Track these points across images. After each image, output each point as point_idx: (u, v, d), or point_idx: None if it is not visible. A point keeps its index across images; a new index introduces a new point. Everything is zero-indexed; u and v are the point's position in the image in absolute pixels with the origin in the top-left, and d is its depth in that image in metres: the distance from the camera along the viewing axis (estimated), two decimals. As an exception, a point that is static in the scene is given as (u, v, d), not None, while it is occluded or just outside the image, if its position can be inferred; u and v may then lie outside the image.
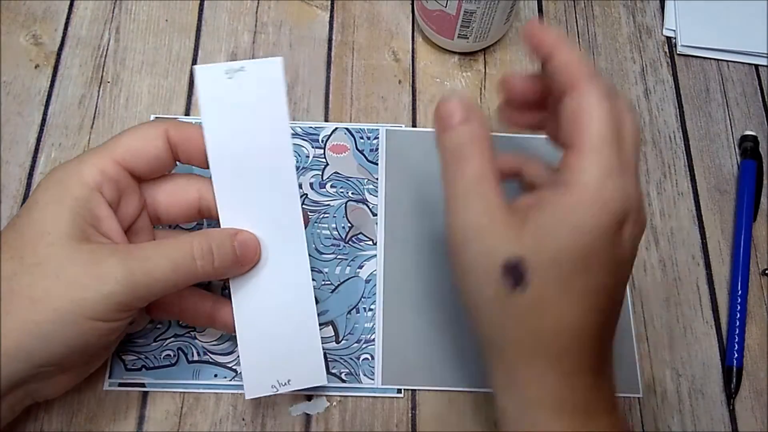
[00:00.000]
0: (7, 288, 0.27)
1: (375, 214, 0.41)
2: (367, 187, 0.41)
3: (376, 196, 0.41)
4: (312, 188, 0.41)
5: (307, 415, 0.36)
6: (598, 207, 0.25)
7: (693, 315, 0.40)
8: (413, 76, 0.45)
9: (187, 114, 0.43)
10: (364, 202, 0.41)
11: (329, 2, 0.47)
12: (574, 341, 0.27)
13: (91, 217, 0.29)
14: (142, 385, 0.36)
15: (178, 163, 0.33)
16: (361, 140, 0.43)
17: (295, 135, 0.42)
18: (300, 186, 0.41)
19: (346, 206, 0.41)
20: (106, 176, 0.30)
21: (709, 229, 0.42)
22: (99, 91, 0.43)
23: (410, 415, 0.36)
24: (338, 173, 0.42)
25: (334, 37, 0.46)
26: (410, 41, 0.47)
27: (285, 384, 0.32)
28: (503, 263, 0.26)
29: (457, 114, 0.29)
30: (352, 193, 0.41)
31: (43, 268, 0.27)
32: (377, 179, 0.42)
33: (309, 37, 0.46)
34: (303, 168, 0.42)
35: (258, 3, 0.47)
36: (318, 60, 0.45)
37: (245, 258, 0.31)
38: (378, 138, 0.43)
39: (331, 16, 0.47)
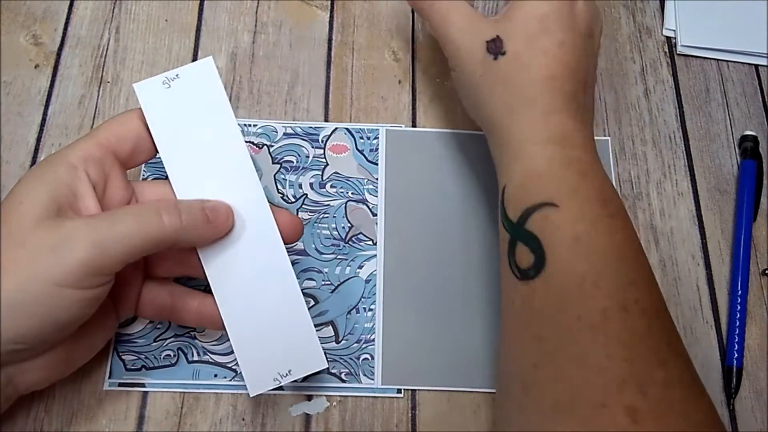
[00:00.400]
0: None
1: (375, 214, 0.41)
2: (367, 187, 0.41)
3: (376, 196, 0.41)
4: (312, 188, 0.41)
5: (307, 415, 0.36)
6: None
7: (693, 315, 0.40)
8: (413, 76, 0.45)
9: (187, 114, 0.43)
10: (364, 202, 0.41)
11: (329, 2, 0.47)
12: (545, 86, 0.33)
13: (69, 194, 0.29)
14: (142, 385, 0.36)
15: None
16: (361, 140, 0.43)
17: (295, 135, 0.42)
18: (300, 186, 0.41)
19: (346, 206, 0.41)
20: (91, 156, 0.31)
21: (709, 229, 0.42)
22: (99, 91, 0.43)
23: (410, 415, 0.36)
24: (338, 173, 0.42)
25: (334, 37, 0.46)
26: (410, 41, 0.47)
27: (286, 375, 0.32)
28: (487, 40, 0.35)
29: None
30: (352, 193, 0.41)
31: (11, 239, 0.28)
32: (377, 179, 0.42)
33: (309, 37, 0.46)
34: (303, 168, 0.42)
35: (258, 3, 0.47)
36: (318, 60, 0.45)
37: (217, 219, 0.31)
38: (378, 138, 0.43)
39: (331, 16, 0.47)
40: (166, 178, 0.32)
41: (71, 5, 0.46)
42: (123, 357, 0.36)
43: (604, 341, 0.27)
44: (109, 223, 0.28)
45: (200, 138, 0.32)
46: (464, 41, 0.36)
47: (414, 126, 0.44)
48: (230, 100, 0.43)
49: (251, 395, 0.32)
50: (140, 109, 0.32)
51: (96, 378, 0.36)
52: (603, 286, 0.28)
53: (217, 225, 0.31)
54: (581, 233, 0.29)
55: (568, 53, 0.34)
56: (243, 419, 0.36)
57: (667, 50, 0.48)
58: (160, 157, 0.32)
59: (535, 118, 0.32)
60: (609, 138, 0.44)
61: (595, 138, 0.44)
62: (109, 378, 0.36)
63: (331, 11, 0.47)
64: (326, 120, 0.43)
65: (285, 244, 0.32)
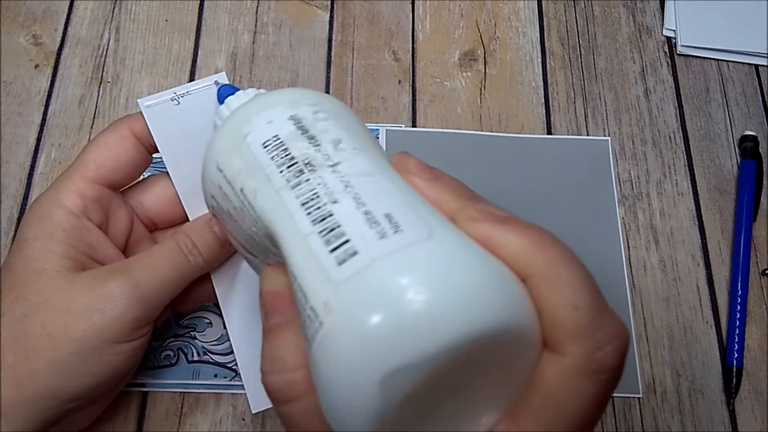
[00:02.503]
0: (21, 330, 0.27)
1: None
2: (367, 187, 0.41)
3: (376, 196, 0.41)
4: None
5: (307, 415, 0.36)
6: None
7: (693, 315, 0.40)
8: (413, 76, 0.45)
9: (187, 114, 0.43)
10: (364, 202, 0.41)
11: (329, 2, 0.47)
12: None
13: (84, 246, 0.29)
14: (142, 385, 0.36)
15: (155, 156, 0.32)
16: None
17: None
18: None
19: None
20: (87, 199, 0.29)
21: (709, 229, 0.42)
22: (99, 91, 0.43)
23: (410, 415, 0.36)
24: None
25: (334, 37, 0.46)
26: (410, 41, 0.47)
27: None
28: None
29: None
30: (352, 193, 0.41)
31: (51, 304, 0.27)
32: None
33: (309, 37, 0.46)
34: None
35: (258, 3, 0.47)
36: (318, 60, 0.45)
37: (225, 234, 0.31)
38: (378, 138, 0.43)
39: (331, 16, 0.47)
40: (165, 173, 0.31)
41: (71, 5, 0.46)
42: (123, 357, 0.36)
43: None
44: (148, 275, 0.28)
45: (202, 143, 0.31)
46: None
47: (414, 126, 0.44)
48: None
49: (254, 411, 0.32)
50: (126, 122, 0.31)
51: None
52: None
53: (226, 242, 0.31)
54: None
55: None
56: (243, 419, 0.36)
57: (667, 50, 0.48)
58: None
59: None
60: (609, 138, 0.44)
61: (595, 138, 0.44)
62: (109, 378, 0.36)
63: (331, 11, 0.47)
64: (326, 120, 0.43)
65: None
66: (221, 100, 0.29)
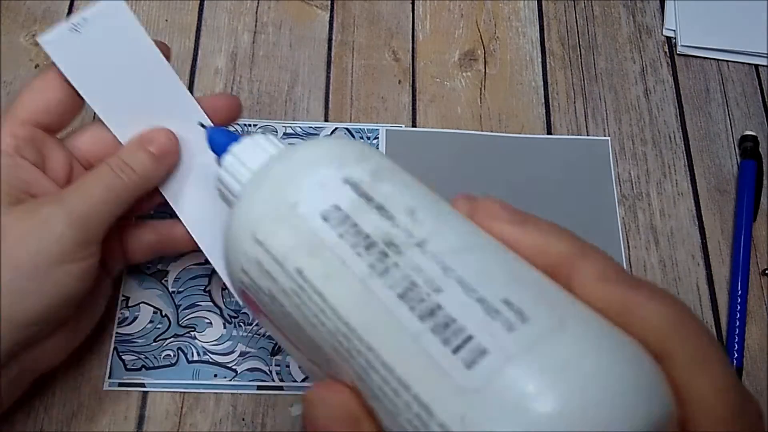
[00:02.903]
0: None
1: (375, 214, 0.41)
2: (367, 187, 0.41)
3: (376, 196, 0.41)
4: (312, 188, 0.41)
5: (307, 415, 0.36)
6: None
7: (693, 315, 0.40)
8: (413, 76, 0.45)
9: (187, 114, 0.43)
10: (364, 202, 0.41)
11: (329, 2, 0.47)
12: None
13: (18, 182, 0.29)
14: (142, 385, 0.36)
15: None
16: (361, 140, 0.43)
17: (295, 135, 0.42)
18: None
19: None
20: (19, 138, 0.30)
21: (709, 229, 0.42)
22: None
23: (410, 415, 0.36)
24: None
25: (334, 37, 0.46)
26: (410, 41, 0.47)
27: None
28: None
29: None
30: (352, 193, 0.41)
31: None
32: None
33: (309, 37, 0.46)
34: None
35: (258, 3, 0.47)
36: (318, 60, 0.45)
37: (162, 149, 0.31)
38: (378, 138, 0.43)
39: (331, 16, 0.47)
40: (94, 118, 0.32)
41: (71, 5, 0.46)
42: (123, 357, 0.36)
43: None
44: (80, 197, 0.29)
45: (125, 75, 0.31)
46: None
47: (414, 126, 0.44)
48: (230, 100, 0.43)
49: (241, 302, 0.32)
50: (54, 66, 0.30)
51: (96, 378, 0.36)
52: None
53: (165, 153, 0.31)
54: None
55: None
56: (243, 419, 0.36)
57: (667, 50, 0.48)
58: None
59: None
60: (609, 138, 0.44)
61: (595, 138, 0.44)
62: (109, 378, 0.36)
63: (331, 11, 0.47)
64: (326, 120, 0.43)
65: (226, 124, 0.33)
66: (218, 147, 0.27)
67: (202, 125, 0.32)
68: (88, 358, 0.36)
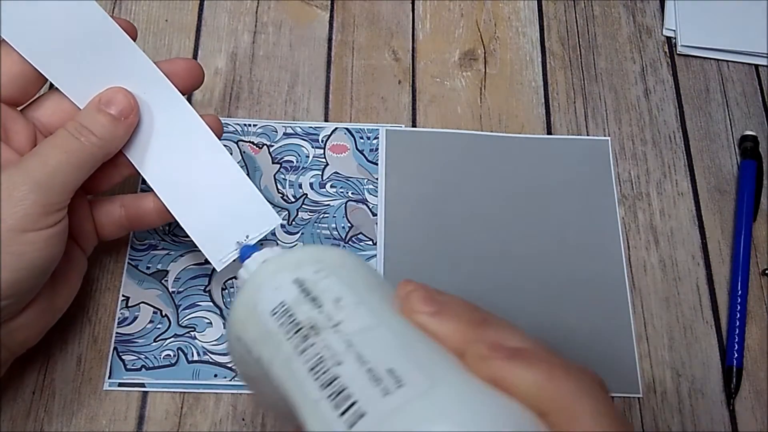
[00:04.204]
0: None
1: (375, 214, 0.41)
2: (366, 187, 0.41)
3: (376, 196, 0.41)
4: (312, 188, 0.41)
5: (307, 415, 0.36)
6: None
7: (693, 315, 0.40)
8: (413, 76, 0.45)
9: (187, 114, 0.43)
10: (364, 202, 0.41)
11: (329, 2, 0.47)
12: None
13: None
14: (142, 385, 0.36)
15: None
16: (361, 140, 0.43)
17: (294, 135, 0.42)
18: (300, 186, 0.41)
19: (346, 206, 0.41)
20: None
21: (709, 229, 0.42)
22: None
23: (410, 415, 0.36)
24: (338, 173, 0.42)
25: (334, 37, 0.46)
26: (410, 41, 0.47)
27: (245, 239, 0.33)
28: None
29: None
30: (352, 193, 0.41)
31: None
32: (377, 179, 0.42)
33: (309, 37, 0.46)
34: (303, 168, 0.42)
35: (258, 3, 0.47)
36: (318, 60, 0.45)
37: (120, 109, 0.31)
38: (378, 138, 0.43)
39: (331, 16, 0.47)
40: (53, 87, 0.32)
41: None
42: (123, 357, 0.36)
43: None
44: (40, 163, 0.29)
45: (77, 42, 0.31)
46: None
47: (414, 126, 0.44)
48: (230, 100, 0.43)
49: (218, 270, 0.33)
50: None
51: (96, 378, 0.36)
52: None
53: (124, 114, 0.31)
54: None
55: None
56: (243, 419, 0.36)
57: (667, 50, 0.48)
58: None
59: None
60: (609, 138, 0.44)
61: (595, 138, 0.44)
62: (109, 378, 0.36)
63: (331, 11, 0.47)
64: (326, 120, 0.43)
65: (191, 90, 0.33)
66: (243, 256, 0.30)
67: (238, 242, 0.33)
68: (88, 358, 0.36)
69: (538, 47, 0.47)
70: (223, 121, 0.42)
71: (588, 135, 0.44)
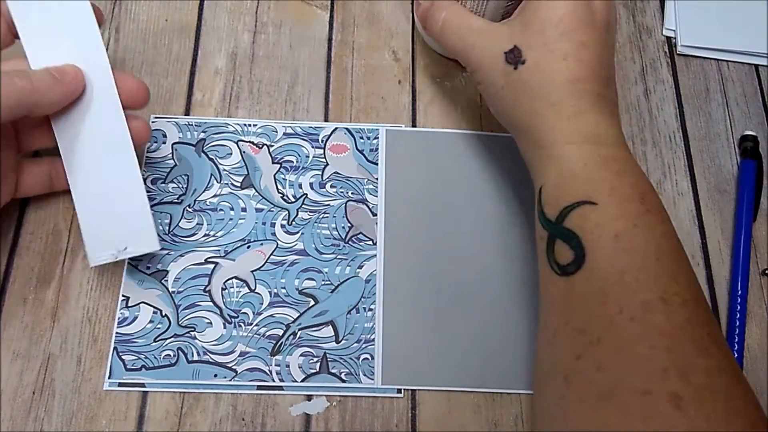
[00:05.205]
0: None
1: (375, 214, 0.41)
2: (366, 187, 0.41)
3: (376, 196, 0.41)
4: (312, 188, 0.41)
5: (307, 415, 0.36)
6: None
7: (693, 315, 0.40)
8: (413, 76, 0.45)
9: (187, 114, 0.43)
10: (364, 202, 0.41)
11: (329, 2, 0.47)
12: (570, 90, 0.33)
13: None
14: (142, 385, 0.36)
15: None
16: (361, 140, 0.43)
17: (294, 135, 0.42)
18: (300, 186, 0.41)
19: (346, 206, 0.41)
20: None
21: (709, 229, 0.42)
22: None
23: (410, 414, 0.36)
24: (338, 173, 0.42)
25: (334, 37, 0.46)
26: (410, 41, 0.47)
27: (123, 250, 0.34)
28: (505, 51, 0.35)
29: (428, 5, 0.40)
30: (352, 193, 0.41)
31: None
32: (377, 179, 0.42)
33: (309, 37, 0.46)
34: (303, 168, 0.42)
35: (258, 3, 0.47)
36: (318, 60, 0.45)
37: (65, 78, 0.33)
38: (378, 138, 0.43)
39: (331, 16, 0.47)
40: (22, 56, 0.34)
41: (71, 5, 0.46)
42: (123, 357, 0.36)
43: (645, 332, 0.27)
44: None
45: (55, 16, 0.34)
46: (483, 56, 0.36)
47: (414, 126, 0.44)
48: (230, 99, 0.43)
49: (91, 265, 0.34)
50: None
51: (96, 378, 0.36)
52: (643, 279, 0.29)
53: (66, 84, 0.33)
54: (621, 230, 0.30)
55: (590, 53, 0.33)
56: (243, 419, 0.36)
57: (667, 50, 0.48)
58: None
59: (565, 120, 0.33)
60: None
61: None
62: (109, 378, 0.36)
63: (331, 11, 0.47)
64: (326, 120, 0.43)
65: (132, 109, 0.35)
66: None
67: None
68: (88, 358, 0.36)
69: (538, 47, 0.47)
70: (222, 121, 0.42)
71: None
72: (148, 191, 0.38)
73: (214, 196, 0.40)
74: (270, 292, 0.38)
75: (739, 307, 0.39)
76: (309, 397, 0.36)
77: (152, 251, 0.35)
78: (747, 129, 0.45)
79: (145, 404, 0.36)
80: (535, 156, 0.34)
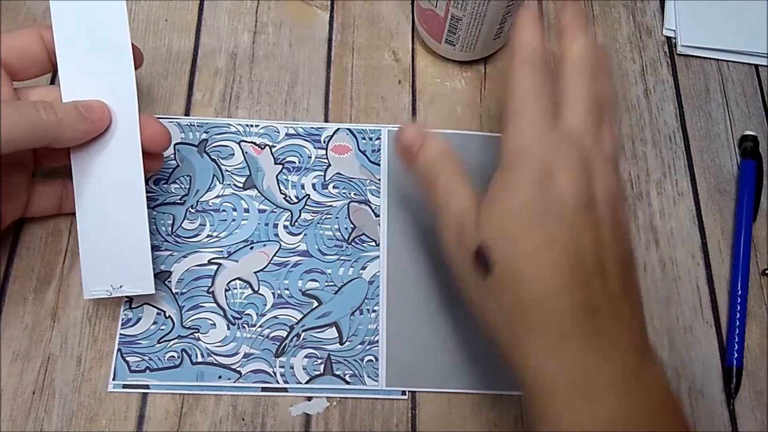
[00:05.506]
0: None
1: (377, 215, 0.41)
2: (369, 188, 0.41)
3: (379, 197, 0.41)
4: (314, 189, 0.41)
5: (307, 415, 0.36)
6: (518, 169, 0.29)
7: (693, 315, 0.40)
8: (413, 76, 0.45)
9: (187, 114, 0.43)
10: (367, 203, 0.41)
11: (329, 2, 0.47)
12: (545, 307, 0.27)
13: None
14: (146, 386, 0.36)
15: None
16: (363, 141, 0.43)
17: (296, 135, 0.42)
18: (303, 186, 0.41)
19: (348, 207, 0.41)
20: None
21: (709, 229, 0.42)
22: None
23: (410, 415, 0.36)
24: (340, 174, 0.42)
25: (334, 37, 0.46)
26: (410, 41, 0.47)
27: (118, 288, 0.34)
28: (473, 253, 0.29)
29: (416, 140, 0.33)
30: (355, 194, 0.41)
31: None
32: (379, 180, 0.42)
33: (309, 37, 0.46)
34: (305, 168, 0.42)
35: (258, 3, 0.47)
36: (318, 60, 0.45)
37: (92, 115, 0.33)
38: (380, 139, 0.43)
39: (331, 16, 0.47)
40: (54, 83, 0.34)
41: (71, 5, 0.46)
42: (127, 358, 0.36)
43: None
44: None
45: (95, 51, 0.34)
46: (454, 253, 0.31)
47: (414, 126, 0.44)
48: (230, 99, 0.43)
49: (85, 297, 0.34)
50: (38, 27, 0.34)
51: (96, 378, 0.36)
52: None
53: (93, 120, 0.33)
54: None
55: (563, 250, 0.27)
56: (243, 419, 0.36)
57: (667, 50, 0.48)
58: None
59: (545, 356, 0.27)
60: None
61: None
62: (113, 380, 0.36)
63: (331, 11, 0.47)
64: (326, 120, 0.43)
65: (151, 152, 0.35)
66: None
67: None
68: (88, 358, 0.36)
69: (538, 47, 0.47)
70: (224, 122, 0.42)
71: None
72: (150, 192, 0.38)
73: (217, 196, 0.40)
74: (273, 294, 0.38)
75: (739, 307, 0.39)
76: (309, 398, 0.36)
77: (147, 293, 0.35)
78: (747, 129, 0.45)
79: (145, 404, 0.36)
80: (523, 397, 0.30)
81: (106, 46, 0.34)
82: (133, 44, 0.34)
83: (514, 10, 0.41)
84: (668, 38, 0.48)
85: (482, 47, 0.44)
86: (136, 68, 0.34)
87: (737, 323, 0.39)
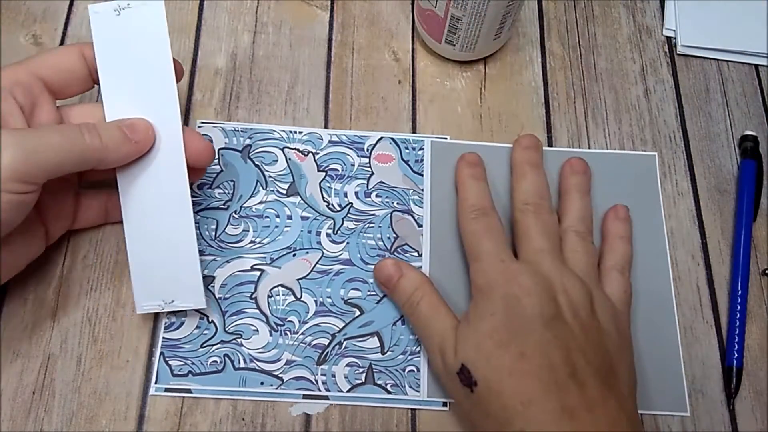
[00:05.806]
0: None
1: (420, 226, 0.40)
2: (412, 197, 0.41)
3: (422, 207, 0.41)
4: (357, 197, 0.41)
5: (307, 415, 0.36)
6: (488, 299, 0.33)
7: (693, 315, 0.40)
8: (413, 76, 0.45)
9: (187, 114, 0.43)
10: (410, 212, 0.41)
11: (329, 2, 0.47)
12: (526, 418, 0.29)
13: None
14: (188, 390, 0.36)
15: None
16: (407, 150, 0.42)
17: (340, 143, 0.42)
18: (346, 194, 0.41)
19: (391, 216, 0.40)
20: (19, 82, 0.32)
21: (709, 229, 0.42)
22: (99, 92, 0.43)
23: (410, 415, 0.36)
24: (383, 183, 0.41)
25: (334, 37, 0.46)
26: (410, 41, 0.47)
27: (170, 303, 0.34)
28: (456, 372, 0.32)
29: (394, 273, 0.37)
30: (398, 204, 0.41)
31: None
32: (422, 190, 0.41)
33: (309, 37, 0.46)
34: (348, 176, 0.41)
35: (258, 3, 0.47)
36: (318, 60, 0.45)
37: (136, 136, 0.33)
38: (423, 149, 0.42)
39: (331, 16, 0.47)
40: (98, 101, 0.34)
41: (71, 5, 0.46)
42: (170, 362, 0.36)
43: None
44: (36, 135, 0.30)
45: (137, 67, 0.34)
46: (441, 371, 0.34)
47: (414, 127, 0.44)
48: (230, 100, 0.43)
49: (137, 312, 0.34)
50: (79, 44, 0.34)
51: (96, 378, 0.36)
52: None
53: (137, 141, 0.33)
54: None
55: (534, 361, 0.30)
56: (243, 419, 0.36)
57: (667, 50, 0.48)
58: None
59: None
60: (656, 153, 0.44)
61: (642, 153, 0.44)
62: (156, 383, 0.36)
63: (331, 11, 0.47)
64: (326, 120, 0.43)
65: (197, 167, 0.35)
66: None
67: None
68: (88, 358, 0.36)
69: (538, 47, 0.47)
70: (268, 127, 0.42)
71: (588, 135, 0.44)
72: (194, 196, 0.37)
73: (260, 202, 0.40)
74: (316, 301, 0.38)
75: (739, 307, 0.39)
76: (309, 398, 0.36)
77: (198, 308, 0.35)
78: (747, 129, 0.45)
79: (145, 404, 0.36)
80: None
81: (148, 61, 0.34)
82: (175, 60, 0.34)
83: (514, 10, 0.41)
84: (668, 38, 0.48)
85: (482, 47, 0.44)
86: (176, 82, 0.34)
87: (737, 323, 0.39)
